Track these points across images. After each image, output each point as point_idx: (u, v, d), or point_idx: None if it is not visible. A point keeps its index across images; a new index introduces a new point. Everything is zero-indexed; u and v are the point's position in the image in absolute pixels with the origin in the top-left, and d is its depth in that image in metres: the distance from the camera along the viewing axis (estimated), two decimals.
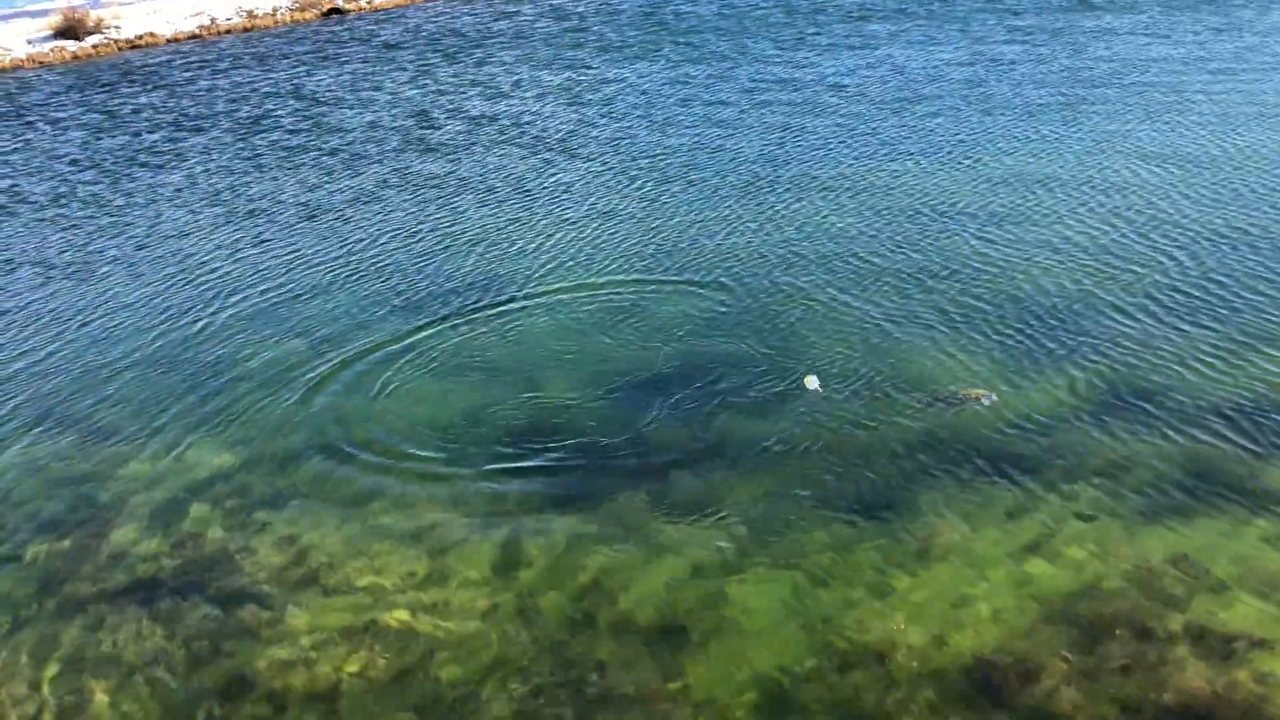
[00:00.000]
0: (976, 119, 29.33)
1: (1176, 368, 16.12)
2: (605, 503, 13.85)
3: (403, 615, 12.17)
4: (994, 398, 15.53)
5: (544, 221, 23.77)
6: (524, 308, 19.51)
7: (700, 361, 17.11)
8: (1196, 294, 18.36)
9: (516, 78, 39.84)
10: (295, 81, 42.06)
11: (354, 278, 21.41)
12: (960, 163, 25.81)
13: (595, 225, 23.29)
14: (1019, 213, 22.45)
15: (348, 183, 27.96)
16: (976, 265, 19.99)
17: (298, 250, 23.14)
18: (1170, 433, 14.53)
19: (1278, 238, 20.23)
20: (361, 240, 23.49)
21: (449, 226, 24.02)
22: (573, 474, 14.51)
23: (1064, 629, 11.28)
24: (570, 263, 21.37)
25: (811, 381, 15.82)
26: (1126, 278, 19.13)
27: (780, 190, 24.72)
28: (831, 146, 27.81)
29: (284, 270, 22.05)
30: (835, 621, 11.60)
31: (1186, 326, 17.30)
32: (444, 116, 34.77)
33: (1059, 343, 17.01)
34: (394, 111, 36.09)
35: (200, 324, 19.75)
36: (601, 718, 10.66)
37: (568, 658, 11.44)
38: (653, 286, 19.97)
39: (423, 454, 15.14)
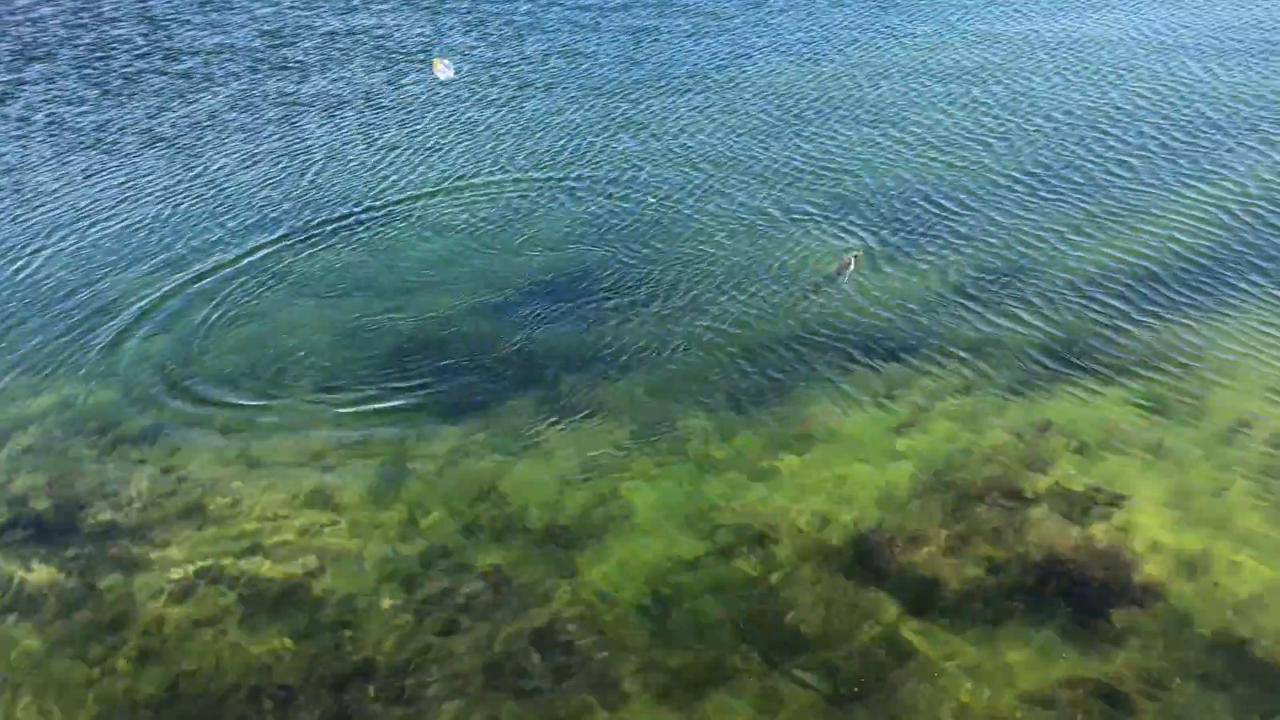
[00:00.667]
0: (825, 9, 29.47)
1: (1036, 246, 16.65)
2: (488, 412, 13.79)
3: (285, 538, 11.99)
4: (858, 256, 16.21)
5: (400, 133, 23.17)
6: (386, 219, 19.10)
7: (571, 267, 17.03)
8: (1048, 175, 18.89)
9: None
10: (142, 3, 40.01)
11: (205, 201, 20.58)
12: (811, 56, 25.96)
13: (454, 133, 22.80)
14: (871, 102, 22.71)
15: (196, 106, 26.82)
16: (833, 157, 20.21)
17: (145, 178, 22.14)
18: (1031, 309, 15.05)
19: (1125, 116, 20.89)
20: (212, 163, 22.58)
21: (303, 143, 23.25)
22: (454, 387, 14.38)
23: (938, 499, 11.69)
24: (432, 171, 20.93)
25: (442, 69, 13.02)
26: (981, 162, 19.56)
27: (639, 92, 24.52)
28: (686, 46, 27.66)
29: (132, 199, 21.07)
30: (720, 509, 11.83)
31: (1041, 207, 17.83)
32: (296, 33, 33.50)
33: (921, 230, 17.37)
34: (245, 31, 34.61)
35: (43, 260, 18.76)
36: (494, 619, 10.72)
37: (458, 564, 11.44)
38: (516, 193, 19.74)
39: (298, 378, 14.81)
